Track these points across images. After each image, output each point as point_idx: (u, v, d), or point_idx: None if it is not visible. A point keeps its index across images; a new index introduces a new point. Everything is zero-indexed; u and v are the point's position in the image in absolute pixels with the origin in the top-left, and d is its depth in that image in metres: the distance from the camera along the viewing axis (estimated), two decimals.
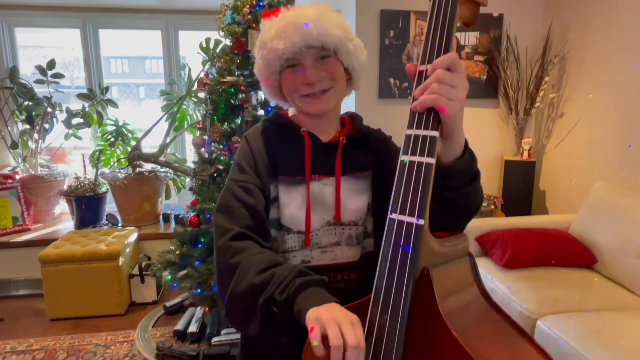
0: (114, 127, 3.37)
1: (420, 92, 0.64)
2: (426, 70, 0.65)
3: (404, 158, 0.65)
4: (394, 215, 0.64)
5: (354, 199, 0.91)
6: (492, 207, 2.84)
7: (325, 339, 0.61)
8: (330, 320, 0.61)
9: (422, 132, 0.63)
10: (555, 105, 3.00)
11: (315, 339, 0.61)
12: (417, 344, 0.65)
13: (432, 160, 0.62)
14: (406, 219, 0.63)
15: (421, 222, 0.62)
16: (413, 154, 0.63)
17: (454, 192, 0.74)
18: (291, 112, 0.98)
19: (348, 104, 3.24)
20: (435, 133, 0.63)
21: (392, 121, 3.21)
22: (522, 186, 3.00)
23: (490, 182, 3.22)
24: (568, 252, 2.25)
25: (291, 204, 0.88)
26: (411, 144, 0.64)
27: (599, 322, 1.72)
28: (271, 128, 0.94)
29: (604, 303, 1.91)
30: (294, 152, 0.90)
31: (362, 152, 0.94)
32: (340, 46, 0.85)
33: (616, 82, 2.49)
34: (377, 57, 3.01)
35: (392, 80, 3.05)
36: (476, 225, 2.47)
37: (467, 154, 0.73)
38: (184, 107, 3.36)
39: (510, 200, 3.01)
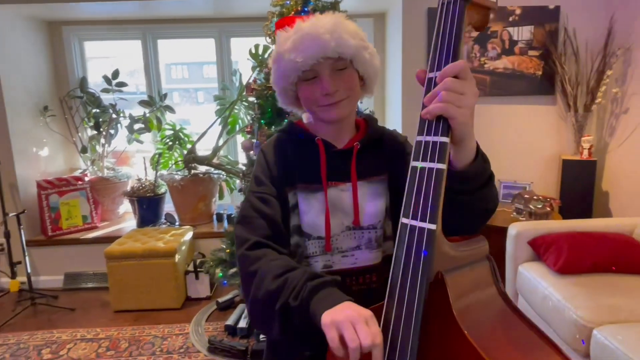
0: (171, 132, 3.57)
1: (429, 100, 0.64)
2: (435, 77, 0.65)
3: (415, 164, 0.65)
4: (405, 221, 0.65)
5: (372, 202, 0.92)
6: (548, 209, 2.70)
7: (343, 339, 0.63)
8: (344, 322, 0.63)
9: (432, 139, 0.64)
10: (619, 101, 2.80)
11: (333, 342, 0.63)
12: (432, 349, 0.66)
13: (443, 166, 0.63)
14: (418, 224, 0.64)
15: (433, 227, 0.62)
16: (424, 160, 0.64)
17: (468, 195, 0.74)
18: (305, 118, 1.00)
19: (394, 107, 3.21)
20: (446, 139, 0.63)
21: None
22: (581, 187, 2.82)
23: (547, 182, 3.07)
24: (631, 258, 2.10)
25: (310, 211, 0.90)
26: (422, 150, 0.64)
27: None
28: (286, 139, 0.97)
29: None
30: (310, 160, 0.92)
31: (377, 155, 0.95)
32: (357, 55, 0.87)
33: None
34: (425, 57, 2.96)
35: None
36: (529, 228, 2.36)
37: (480, 158, 0.73)
38: (236, 111, 3.49)
39: (568, 202, 2.85)
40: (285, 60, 0.86)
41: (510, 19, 2.90)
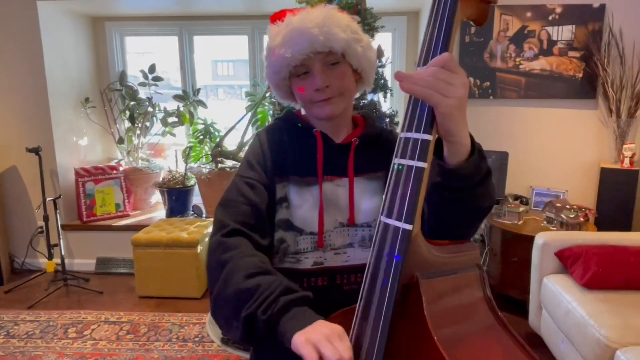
0: (202, 126, 3.65)
1: (413, 84, 0.61)
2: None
3: (396, 161, 0.63)
4: (382, 218, 0.63)
5: (367, 200, 0.90)
6: (582, 219, 2.56)
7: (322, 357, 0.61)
8: (321, 339, 0.61)
9: (413, 135, 0.61)
10: None
11: (311, 358, 0.60)
12: (401, 353, 0.63)
13: (423, 165, 0.60)
14: (394, 223, 0.61)
15: (408, 227, 0.60)
16: (403, 157, 0.62)
17: (463, 192, 0.71)
18: (304, 110, 0.99)
19: None
20: (428, 136, 0.60)
21: (472, 123, 3.06)
22: (621, 198, 2.66)
23: (584, 192, 2.91)
24: None
25: (303, 205, 0.88)
26: (401, 146, 0.62)
27: None
28: (284, 127, 0.95)
29: None
30: (307, 152, 0.90)
31: (375, 152, 0.93)
32: (348, 49, 0.84)
33: None
34: (457, 55, 2.88)
35: (472, 79, 2.90)
36: (557, 238, 2.24)
37: (476, 154, 0.69)
38: (265, 107, 3.53)
39: (605, 213, 2.69)
40: (276, 56, 0.85)
41: (550, 17, 2.77)
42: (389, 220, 0.62)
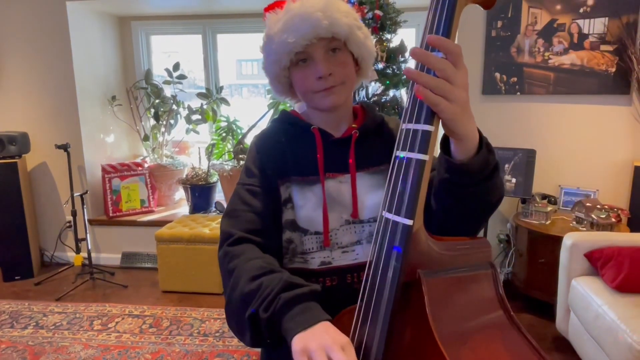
0: (225, 124, 3.69)
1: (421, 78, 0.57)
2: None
3: (397, 153, 0.60)
4: (384, 213, 0.61)
5: (372, 194, 0.87)
6: (614, 220, 2.44)
7: None
8: (317, 350, 0.58)
9: (413, 126, 0.58)
10: None
11: None
12: (403, 352, 0.61)
13: (424, 157, 0.57)
14: (393, 217, 0.59)
15: (408, 222, 0.57)
16: (404, 149, 0.59)
17: (472, 188, 0.68)
18: (298, 108, 0.96)
19: None
20: (429, 127, 0.57)
21: (499, 119, 2.97)
22: None
23: (616, 191, 2.78)
24: None
25: (306, 205, 0.86)
26: (403, 138, 0.59)
27: None
28: (280, 128, 0.93)
29: None
30: (306, 151, 0.87)
31: (378, 143, 0.90)
32: (351, 35, 0.82)
33: None
34: (482, 50, 2.80)
35: (498, 75, 2.81)
36: (587, 239, 2.15)
37: (484, 149, 0.66)
38: (287, 105, 3.53)
39: (639, 214, 2.56)
40: (276, 43, 0.82)
41: (581, 10, 2.65)
42: (389, 215, 0.60)
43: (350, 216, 0.86)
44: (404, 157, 0.59)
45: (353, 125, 0.91)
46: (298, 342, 0.60)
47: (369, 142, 0.90)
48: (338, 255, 0.87)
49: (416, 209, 0.57)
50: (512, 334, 0.63)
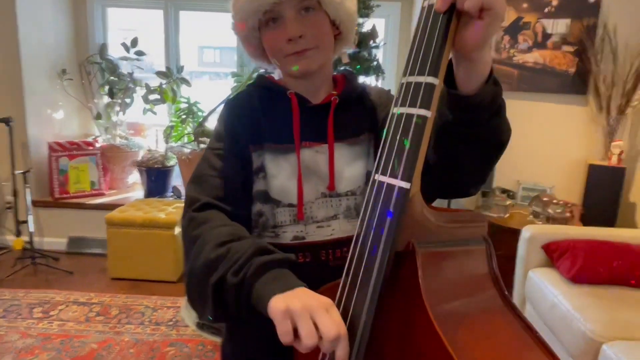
0: (186, 105, 3.52)
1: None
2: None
3: (394, 110, 0.55)
4: (376, 176, 0.55)
5: (350, 166, 0.81)
6: (568, 214, 2.53)
7: (297, 333, 0.52)
8: (300, 312, 0.52)
9: (416, 79, 0.53)
10: None
11: (286, 337, 0.52)
12: (392, 330, 0.56)
13: (427, 113, 0.52)
14: (389, 180, 0.53)
15: (406, 185, 0.52)
16: (403, 104, 0.53)
17: (483, 125, 0.64)
18: (277, 75, 0.89)
19: None
20: (433, 79, 0.52)
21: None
22: (607, 195, 2.64)
23: (570, 188, 2.88)
24: None
25: (280, 174, 0.79)
26: (402, 93, 0.54)
27: None
28: (255, 92, 0.85)
29: None
30: (281, 117, 0.80)
31: (358, 112, 0.84)
32: None
33: None
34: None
35: None
36: (544, 232, 2.21)
37: (492, 79, 0.62)
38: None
39: (592, 210, 2.67)
40: (242, 0, 0.75)
41: (546, 10, 2.72)
42: (383, 178, 0.54)
43: (326, 188, 0.80)
44: (403, 113, 0.53)
45: (333, 92, 0.85)
46: (278, 302, 0.54)
47: (350, 111, 0.83)
48: (312, 230, 0.81)
49: (414, 171, 0.52)
50: (507, 315, 0.60)
